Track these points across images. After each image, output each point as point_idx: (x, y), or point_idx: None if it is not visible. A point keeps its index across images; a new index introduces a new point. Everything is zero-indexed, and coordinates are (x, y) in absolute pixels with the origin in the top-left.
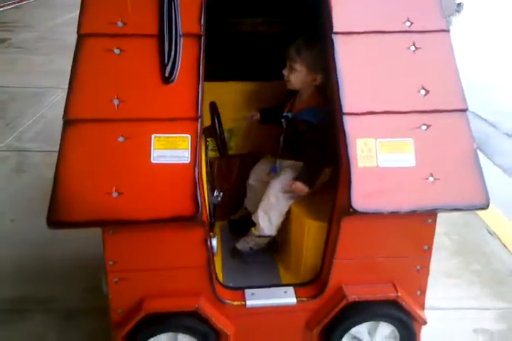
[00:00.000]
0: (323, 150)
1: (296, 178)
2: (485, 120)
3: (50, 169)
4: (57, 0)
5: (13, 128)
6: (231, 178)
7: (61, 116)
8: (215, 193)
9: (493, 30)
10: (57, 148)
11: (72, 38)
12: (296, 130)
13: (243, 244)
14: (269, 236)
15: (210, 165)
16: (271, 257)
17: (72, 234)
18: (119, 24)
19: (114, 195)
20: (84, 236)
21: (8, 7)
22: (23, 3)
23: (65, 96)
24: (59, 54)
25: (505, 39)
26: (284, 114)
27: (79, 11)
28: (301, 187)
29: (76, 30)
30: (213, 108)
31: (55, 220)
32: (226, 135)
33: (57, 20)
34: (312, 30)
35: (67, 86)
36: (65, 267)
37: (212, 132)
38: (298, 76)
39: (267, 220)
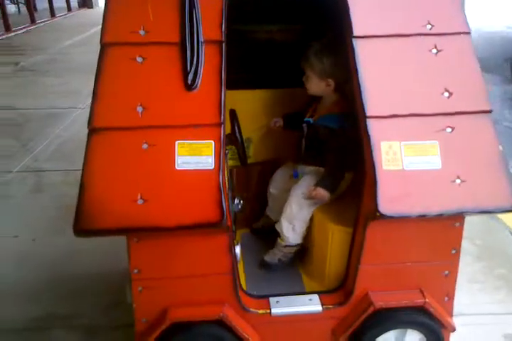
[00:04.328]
0: (344, 156)
1: (318, 184)
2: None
3: (68, 188)
4: (65, 23)
5: (29, 149)
6: (251, 186)
7: (75, 137)
8: (236, 201)
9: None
10: (73, 168)
11: (82, 59)
12: (317, 135)
13: (271, 256)
14: (296, 246)
15: (229, 173)
16: (293, 264)
17: (94, 250)
18: (141, 32)
19: (140, 202)
20: (105, 251)
21: (19, 32)
22: (33, 27)
23: (78, 116)
24: (70, 75)
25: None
26: (306, 119)
27: (101, 20)
28: (322, 193)
29: (87, 50)
30: (233, 115)
31: (81, 228)
32: (245, 143)
33: (66, 42)
34: (327, 36)
35: (80, 106)
36: (87, 284)
37: (233, 139)
38: (311, 82)
39: (291, 229)
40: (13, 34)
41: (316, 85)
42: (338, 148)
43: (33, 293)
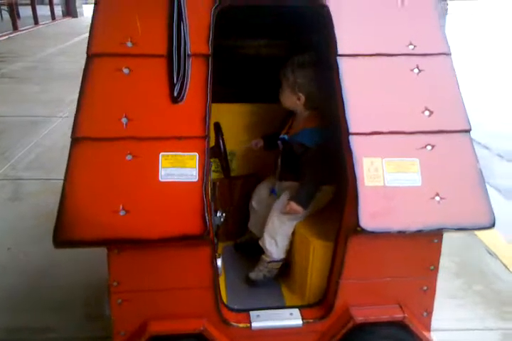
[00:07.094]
0: (318, 171)
1: (291, 199)
2: (478, 142)
3: (46, 197)
4: (48, 31)
5: (7, 157)
6: (233, 199)
7: (55, 145)
8: (218, 214)
9: (475, 49)
10: (52, 177)
11: (64, 68)
12: (293, 152)
13: (257, 273)
14: (280, 260)
15: (212, 186)
16: (275, 278)
17: (71, 261)
18: (129, 44)
19: (121, 213)
20: (83, 262)
21: (1, 38)
22: (15, 34)
23: (58, 125)
24: (51, 83)
25: (490, 59)
26: (281, 136)
27: (89, 31)
28: (295, 207)
29: (68, 59)
30: (218, 128)
31: (61, 239)
32: (228, 156)
33: (49, 50)
34: (309, 52)
35: (61, 114)
36: (63, 296)
37: (217, 152)
38: (284, 95)
39: (274, 244)
40: None
41: (288, 98)
42: (311, 163)
43: (7, 304)
